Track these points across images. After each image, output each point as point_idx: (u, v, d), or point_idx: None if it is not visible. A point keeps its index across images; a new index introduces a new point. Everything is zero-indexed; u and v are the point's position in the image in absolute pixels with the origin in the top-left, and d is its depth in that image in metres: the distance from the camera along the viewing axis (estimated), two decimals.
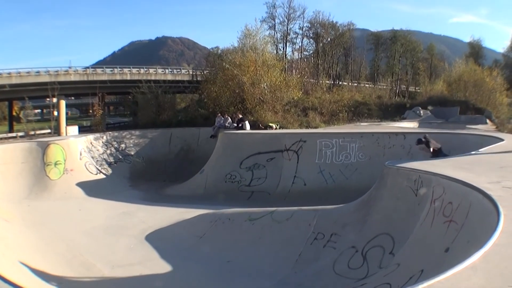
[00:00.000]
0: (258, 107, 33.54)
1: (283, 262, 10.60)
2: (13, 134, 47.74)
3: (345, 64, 76.00)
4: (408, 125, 35.05)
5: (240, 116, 27.55)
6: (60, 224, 15.86)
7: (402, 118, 43.57)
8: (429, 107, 46.79)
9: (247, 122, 26.50)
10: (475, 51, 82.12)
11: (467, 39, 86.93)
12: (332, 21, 68.98)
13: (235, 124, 26.51)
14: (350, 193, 14.04)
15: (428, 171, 9.07)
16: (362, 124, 37.23)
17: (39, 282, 8.64)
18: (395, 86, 69.83)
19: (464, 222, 6.35)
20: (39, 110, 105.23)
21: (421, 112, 45.20)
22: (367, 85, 69.78)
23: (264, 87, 34.69)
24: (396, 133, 18.79)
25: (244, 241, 12.34)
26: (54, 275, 9.94)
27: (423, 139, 13.50)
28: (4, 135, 44.19)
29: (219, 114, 28.95)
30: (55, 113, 54.21)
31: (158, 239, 13.85)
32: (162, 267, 11.45)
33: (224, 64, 38.16)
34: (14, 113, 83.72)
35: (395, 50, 72.49)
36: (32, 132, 39.85)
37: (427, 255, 6.99)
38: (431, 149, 13.01)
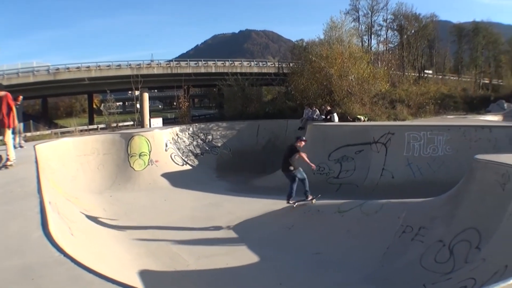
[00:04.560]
0: (346, 99, 33.43)
1: (371, 255, 10.33)
2: (94, 126, 49.58)
3: (429, 56, 75.70)
4: (493, 118, 34.90)
5: (329, 108, 27.18)
6: (144, 215, 15.82)
7: (487, 111, 43.73)
8: None
9: (335, 114, 25.94)
10: None
11: None
12: (415, 13, 68.69)
13: (323, 116, 26.10)
14: (437, 186, 13.64)
15: None
16: (448, 117, 37.37)
17: (121, 272, 8.42)
18: (479, 79, 68.70)
19: None
20: (120, 103, 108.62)
21: (505, 105, 45.11)
22: (452, 78, 69.19)
23: (351, 79, 34.33)
24: (482, 126, 17.93)
25: (333, 233, 12.10)
26: (137, 265, 9.82)
27: None
28: (85, 127, 45.56)
29: (307, 106, 28.83)
30: (138, 105, 55.59)
31: (246, 230, 13.63)
32: (249, 257, 11.15)
33: (310, 56, 38.13)
34: (94, 106, 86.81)
35: (477, 42, 71.30)
36: (114, 124, 40.94)
37: None
38: None
